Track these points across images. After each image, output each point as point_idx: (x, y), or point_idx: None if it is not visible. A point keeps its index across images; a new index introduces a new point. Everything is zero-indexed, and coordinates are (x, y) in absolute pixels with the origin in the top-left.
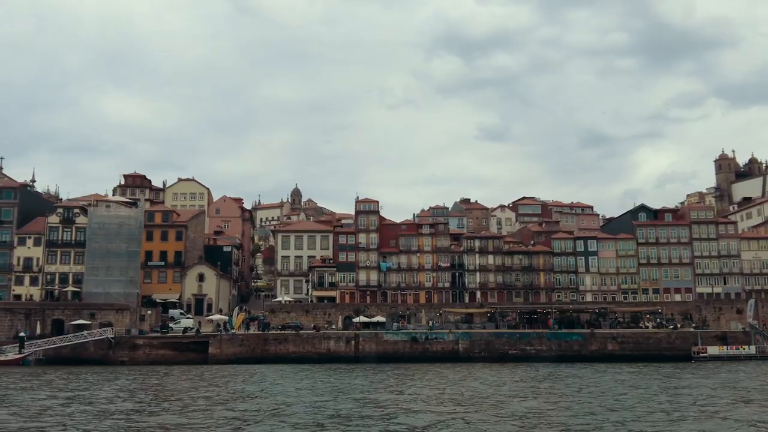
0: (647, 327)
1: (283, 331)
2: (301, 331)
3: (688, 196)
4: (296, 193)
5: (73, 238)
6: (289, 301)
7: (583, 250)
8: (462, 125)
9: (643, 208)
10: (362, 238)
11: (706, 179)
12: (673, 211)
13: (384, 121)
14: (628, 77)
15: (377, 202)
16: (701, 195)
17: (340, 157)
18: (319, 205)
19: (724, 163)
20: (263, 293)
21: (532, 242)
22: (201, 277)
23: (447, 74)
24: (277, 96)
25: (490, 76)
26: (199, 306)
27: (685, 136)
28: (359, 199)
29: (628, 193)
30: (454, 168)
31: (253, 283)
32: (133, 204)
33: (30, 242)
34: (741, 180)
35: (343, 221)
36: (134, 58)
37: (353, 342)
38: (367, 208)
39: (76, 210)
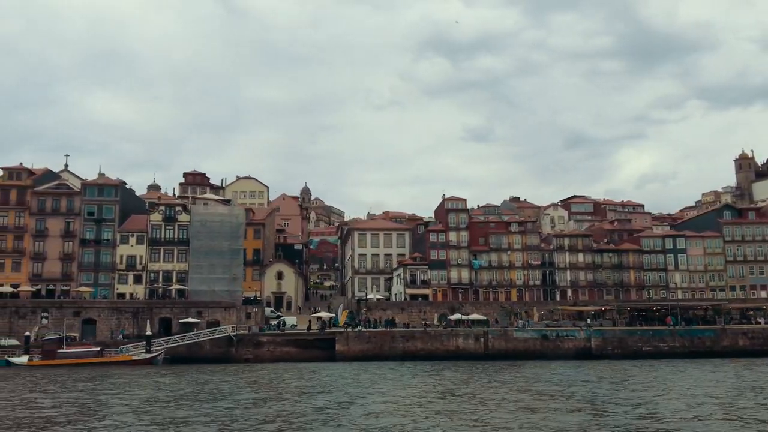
0: (759, 323)
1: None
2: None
3: (703, 195)
4: (306, 192)
5: (176, 236)
6: (381, 299)
7: (672, 248)
8: (448, 126)
9: (727, 206)
10: (452, 236)
11: (687, 179)
12: (757, 209)
13: (370, 121)
14: (612, 80)
15: (465, 200)
16: (717, 194)
17: (325, 157)
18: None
19: (744, 163)
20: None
21: (605, 240)
22: (280, 275)
23: (433, 76)
24: (265, 97)
25: (476, 78)
26: (279, 303)
27: (667, 137)
28: (446, 197)
29: (609, 193)
30: (439, 168)
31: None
32: (227, 202)
33: (132, 240)
34: (761, 179)
35: (426, 219)
36: (122, 58)
37: (482, 339)
38: (455, 206)
39: (178, 208)
